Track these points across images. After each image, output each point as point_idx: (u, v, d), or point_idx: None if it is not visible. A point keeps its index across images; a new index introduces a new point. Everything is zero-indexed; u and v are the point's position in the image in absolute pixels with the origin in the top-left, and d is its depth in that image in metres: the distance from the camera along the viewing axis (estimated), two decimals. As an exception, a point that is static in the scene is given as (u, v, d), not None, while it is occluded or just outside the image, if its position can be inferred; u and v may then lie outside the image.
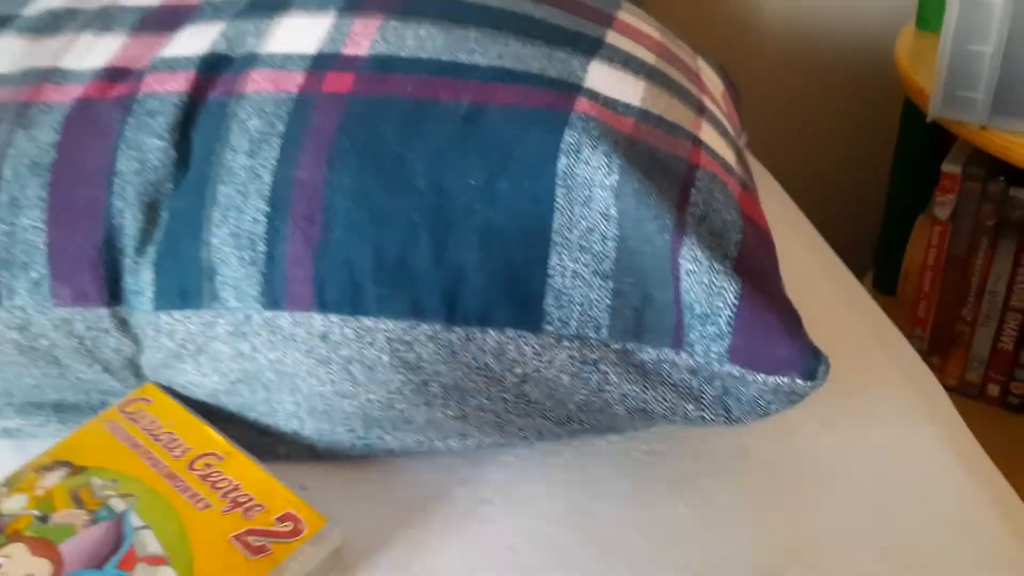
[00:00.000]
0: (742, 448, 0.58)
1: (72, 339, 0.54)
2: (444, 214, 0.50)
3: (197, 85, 0.56)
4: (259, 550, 0.48)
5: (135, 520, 0.49)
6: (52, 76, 0.58)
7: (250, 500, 0.50)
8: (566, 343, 0.50)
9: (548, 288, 0.49)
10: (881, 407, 0.61)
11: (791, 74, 1.33)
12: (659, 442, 0.58)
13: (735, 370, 0.48)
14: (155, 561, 0.47)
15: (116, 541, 0.48)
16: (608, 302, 0.49)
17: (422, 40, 0.56)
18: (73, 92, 0.56)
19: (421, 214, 0.50)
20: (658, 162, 0.52)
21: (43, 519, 0.49)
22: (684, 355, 0.49)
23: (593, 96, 0.54)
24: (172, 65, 0.57)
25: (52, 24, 0.62)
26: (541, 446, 0.58)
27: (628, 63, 0.58)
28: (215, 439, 0.53)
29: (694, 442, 0.58)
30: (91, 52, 0.59)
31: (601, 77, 0.56)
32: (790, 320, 0.48)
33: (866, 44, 1.31)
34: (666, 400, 0.50)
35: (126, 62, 0.58)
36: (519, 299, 0.49)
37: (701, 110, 0.61)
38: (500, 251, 0.49)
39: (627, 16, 0.66)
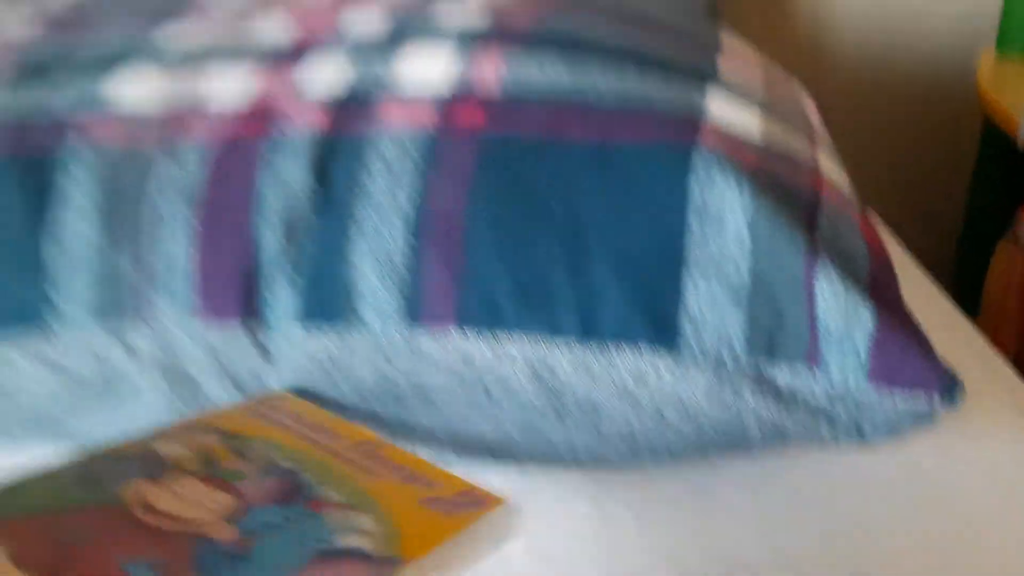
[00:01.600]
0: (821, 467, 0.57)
1: (208, 355, 0.56)
2: (580, 243, 0.51)
3: (331, 118, 0.58)
4: (453, 512, 0.44)
5: (309, 478, 0.44)
6: (193, 107, 0.60)
7: (424, 477, 0.47)
8: (703, 365, 0.51)
9: (683, 312, 0.51)
10: (990, 429, 0.61)
11: (865, 99, 1.33)
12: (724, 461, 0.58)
13: (873, 392, 0.49)
14: (346, 507, 0.43)
15: (295, 490, 0.43)
16: (743, 326, 0.51)
17: (547, 72, 0.58)
18: (212, 123, 0.59)
19: (559, 243, 0.52)
20: (784, 189, 0.54)
21: (209, 464, 0.44)
22: (820, 377, 0.50)
23: (715, 125, 0.55)
24: (306, 98, 0.59)
25: (188, 56, 0.65)
26: (559, 465, 0.57)
27: (741, 91, 0.60)
28: (365, 433, 0.51)
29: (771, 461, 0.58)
30: (227, 84, 0.62)
31: (719, 106, 0.57)
32: (924, 342, 0.49)
33: (941, 68, 1.31)
34: (801, 421, 0.52)
35: (262, 95, 0.60)
36: (655, 323, 0.51)
37: (813, 136, 0.62)
38: (635, 279, 0.51)
39: (730, 44, 0.67)
